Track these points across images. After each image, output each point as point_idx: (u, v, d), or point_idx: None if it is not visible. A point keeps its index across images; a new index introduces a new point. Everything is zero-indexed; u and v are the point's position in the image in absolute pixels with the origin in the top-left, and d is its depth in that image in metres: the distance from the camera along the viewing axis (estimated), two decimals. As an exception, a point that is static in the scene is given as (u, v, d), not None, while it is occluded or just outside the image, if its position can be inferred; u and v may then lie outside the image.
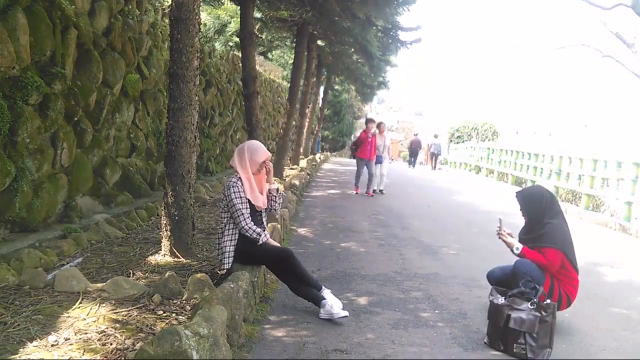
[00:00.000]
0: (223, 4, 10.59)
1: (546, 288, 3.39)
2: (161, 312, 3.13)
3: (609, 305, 4.22)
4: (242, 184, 3.61)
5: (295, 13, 10.16)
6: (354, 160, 11.13)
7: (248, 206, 3.62)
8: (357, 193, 10.70)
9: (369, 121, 10.71)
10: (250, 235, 3.56)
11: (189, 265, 4.28)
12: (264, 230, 3.66)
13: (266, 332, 3.20)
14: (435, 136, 23.52)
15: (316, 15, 9.67)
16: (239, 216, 3.55)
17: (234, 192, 3.56)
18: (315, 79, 18.18)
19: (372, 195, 10.41)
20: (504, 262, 5.51)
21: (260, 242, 3.58)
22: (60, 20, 5.11)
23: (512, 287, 3.31)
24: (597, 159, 10.48)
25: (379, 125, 10.85)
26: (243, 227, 3.55)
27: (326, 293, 3.51)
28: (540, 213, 3.57)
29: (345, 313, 3.40)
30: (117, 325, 2.86)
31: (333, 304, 3.42)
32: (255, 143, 3.85)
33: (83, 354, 2.50)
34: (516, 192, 3.78)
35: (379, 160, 10.83)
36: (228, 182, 3.65)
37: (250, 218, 3.60)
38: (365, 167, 10.52)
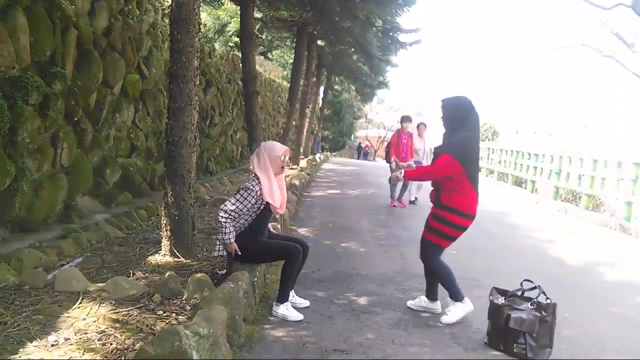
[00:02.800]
0: (223, 4, 10.61)
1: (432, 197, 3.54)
2: (161, 312, 3.13)
3: (609, 305, 4.22)
4: (259, 188, 3.46)
5: (295, 13, 10.17)
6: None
7: (242, 211, 3.46)
8: (394, 205, 9.17)
9: (404, 119, 9.02)
10: (222, 230, 3.42)
11: (189, 265, 4.28)
12: (232, 238, 3.47)
13: (266, 332, 3.20)
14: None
15: (316, 15, 9.69)
16: (226, 208, 3.42)
17: (242, 194, 3.45)
18: (315, 79, 18.19)
19: (406, 206, 9.10)
20: (504, 262, 5.54)
21: (225, 242, 3.47)
22: (60, 20, 5.12)
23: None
24: (597, 159, 10.47)
25: (418, 126, 9.31)
26: (222, 218, 3.40)
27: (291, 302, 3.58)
28: (457, 121, 3.46)
29: (297, 317, 3.46)
30: (117, 325, 2.87)
31: (290, 312, 3.49)
32: (269, 142, 3.76)
33: (83, 354, 2.50)
34: (441, 99, 3.64)
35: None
36: (245, 183, 3.53)
37: (232, 219, 3.45)
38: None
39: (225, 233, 3.44)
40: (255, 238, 3.59)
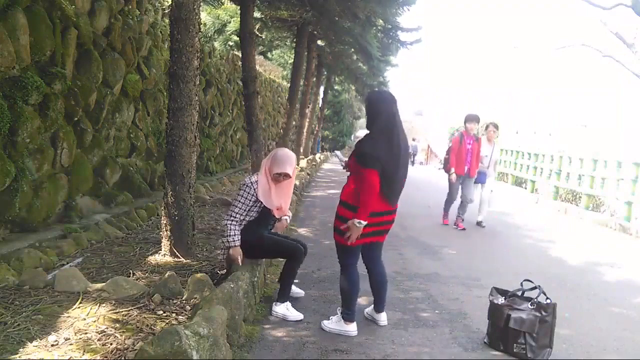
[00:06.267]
0: (223, 3, 10.59)
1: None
2: (161, 312, 3.13)
3: (609, 305, 4.22)
4: (257, 186, 3.49)
5: (295, 13, 10.16)
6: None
7: (246, 210, 3.50)
8: (446, 224, 7.56)
9: (469, 119, 7.12)
10: (226, 233, 3.49)
11: (189, 265, 4.28)
12: (237, 242, 3.51)
13: (266, 332, 3.20)
14: (413, 139, 26.95)
15: (316, 15, 9.68)
16: (231, 211, 3.49)
17: (241, 193, 3.49)
18: (315, 79, 18.19)
19: (465, 229, 7.26)
20: (504, 262, 5.54)
21: (227, 246, 3.53)
22: (60, 20, 5.11)
23: None
24: (597, 159, 10.48)
25: (486, 128, 7.52)
26: (226, 220, 3.50)
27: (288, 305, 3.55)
28: (370, 118, 3.23)
29: (298, 317, 3.46)
30: (117, 325, 2.87)
31: (290, 311, 3.49)
32: (282, 154, 3.52)
33: (83, 354, 2.50)
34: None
35: (480, 180, 7.39)
36: (244, 180, 3.59)
37: (237, 221, 3.50)
38: (460, 186, 7.33)
39: (228, 235, 3.48)
40: (258, 231, 3.60)
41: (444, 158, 7.61)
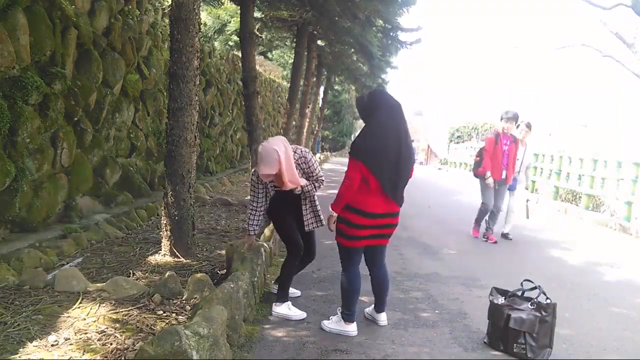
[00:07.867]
0: (223, 3, 10.58)
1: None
2: (161, 312, 3.14)
3: (609, 305, 4.22)
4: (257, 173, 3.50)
5: (295, 13, 10.15)
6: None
7: (257, 197, 3.60)
8: (476, 236, 6.76)
9: (507, 118, 6.29)
10: (247, 219, 3.75)
11: (189, 265, 4.28)
12: (255, 228, 3.71)
13: (266, 332, 3.20)
14: (412, 140, 26.12)
15: (316, 15, 9.67)
16: (249, 203, 3.69)
17: (250, 183, 3.64)
18: (315, 79, 18.18)
19: (496, 242, 6.51)
20: (504, 262, 5.54)
21: (247, 230, 3.76)
22: (60, 20, 5.12)
23: None
24: (597, 159, 10.48)
25: (517, 127, 6.54)
26: (248, 210, 3.72)
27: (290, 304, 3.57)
28: (366, 115, 3.22)
29: (300, 316, 3.48)
30: (117, 325, 2.87)
31: (292, 311, 3.52)
32: (264, 153, 3.27)
33: (83, 354, 2.50)
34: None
35: (511, 186, 6.63)
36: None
37: (253, 209, 3.61)
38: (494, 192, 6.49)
39: (248, 224, 3.71)
40: (281, 204, 3.63)
41: (475, 160, 6.68)
